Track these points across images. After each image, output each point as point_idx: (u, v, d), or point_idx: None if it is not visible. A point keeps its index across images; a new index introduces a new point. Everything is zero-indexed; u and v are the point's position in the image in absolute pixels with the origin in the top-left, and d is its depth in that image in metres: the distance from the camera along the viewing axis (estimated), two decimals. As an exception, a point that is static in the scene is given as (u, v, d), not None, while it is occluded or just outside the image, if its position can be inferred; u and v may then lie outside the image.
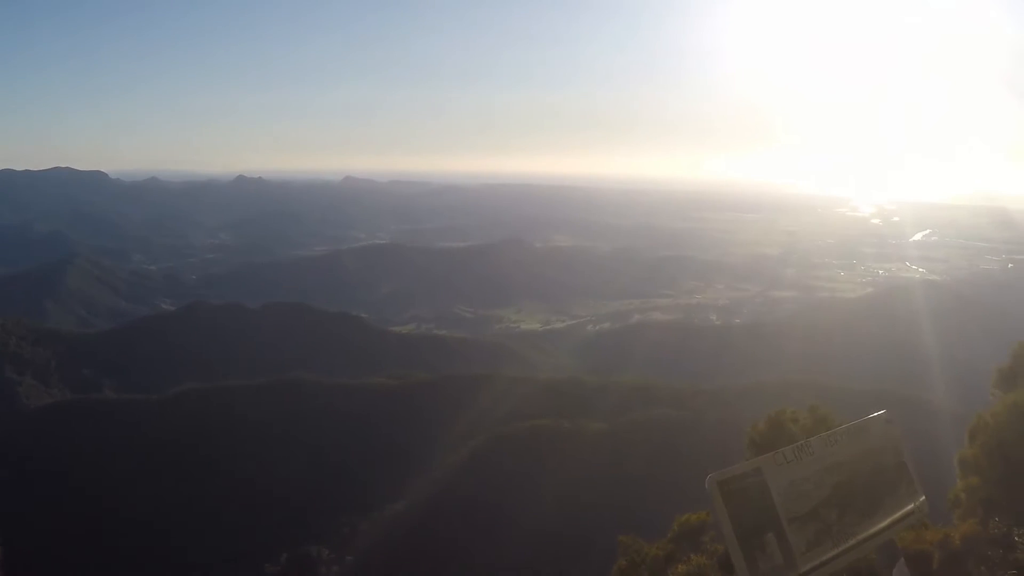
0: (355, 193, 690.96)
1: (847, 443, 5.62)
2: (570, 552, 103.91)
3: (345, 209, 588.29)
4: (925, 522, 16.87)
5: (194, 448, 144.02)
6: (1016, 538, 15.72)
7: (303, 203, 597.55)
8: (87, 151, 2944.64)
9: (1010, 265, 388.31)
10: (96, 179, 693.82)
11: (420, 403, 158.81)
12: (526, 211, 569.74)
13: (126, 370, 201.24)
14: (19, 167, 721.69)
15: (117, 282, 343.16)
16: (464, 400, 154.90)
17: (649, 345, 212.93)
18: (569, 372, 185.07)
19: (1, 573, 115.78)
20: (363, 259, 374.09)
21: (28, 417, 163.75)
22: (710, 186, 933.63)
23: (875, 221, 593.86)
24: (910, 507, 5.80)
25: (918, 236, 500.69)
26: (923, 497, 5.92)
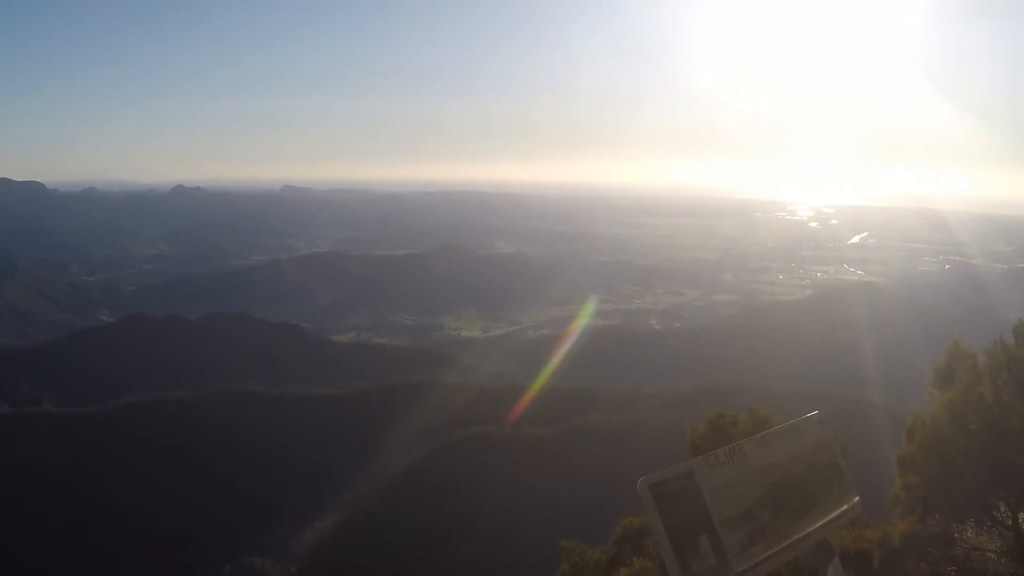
0: (294, 202, 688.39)
1: (780, 445, 5.64)
2: (514, 559, 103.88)
3: (284, 218, 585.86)
4: (866, 521, 17.05)
5: (135, 460, 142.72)
6: (955, 535, 15.89)
7: (242, 212, 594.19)
8: (23, 161, 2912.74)
9: (947, 266, 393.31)
10: (33, 190, 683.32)
11: (361, 412, 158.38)
12: (466, 218, 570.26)
13: (65, 383, 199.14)
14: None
15: (55, 294, 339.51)
16: (405, 408, 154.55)
17: (590, 350, 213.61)
18: (511, 379, 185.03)
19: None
20: (303, 268, 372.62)
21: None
22: (650, 192, 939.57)
23: (813, 224, 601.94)
24: (844, 507, 5.83)
25: (856, 239, 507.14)
26: (856, 497, 5.96)
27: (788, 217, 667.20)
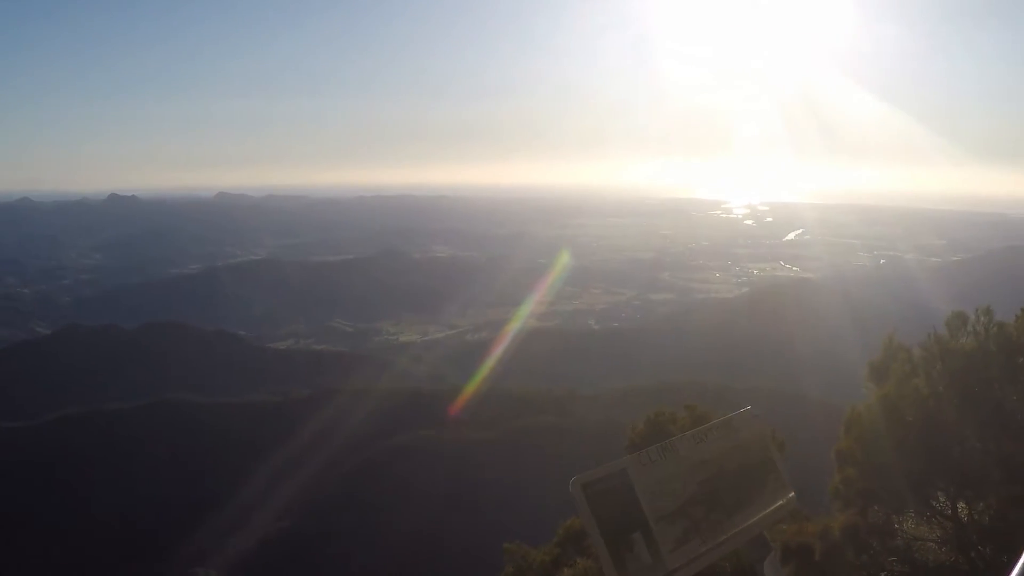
0: (230, 209, 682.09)
1: (713, 440, 5.58)
2: (456, 563, 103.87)
3: (220, 225, 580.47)
4: (806, 515, 17.16)
5: (75, 473, 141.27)
6: (896, 526, 16.03)
7: (178, 220, 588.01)
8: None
9: (882, 261, 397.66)
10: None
11: (300, 419, 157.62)
12: (403, 222, 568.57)
13: (1, 396, 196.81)
14: None
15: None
16: (345, 414, 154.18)
17: (529, 352, 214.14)
18: (450, 382, 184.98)
19: None
20: (239, 275, 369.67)
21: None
22: (586, 193, 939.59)
23: (749, 222, 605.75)
24: (780, 501, 5.79)
25: (791, 235, 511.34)
26: (792, 491, 5.92)
27: (724, 215, 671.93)
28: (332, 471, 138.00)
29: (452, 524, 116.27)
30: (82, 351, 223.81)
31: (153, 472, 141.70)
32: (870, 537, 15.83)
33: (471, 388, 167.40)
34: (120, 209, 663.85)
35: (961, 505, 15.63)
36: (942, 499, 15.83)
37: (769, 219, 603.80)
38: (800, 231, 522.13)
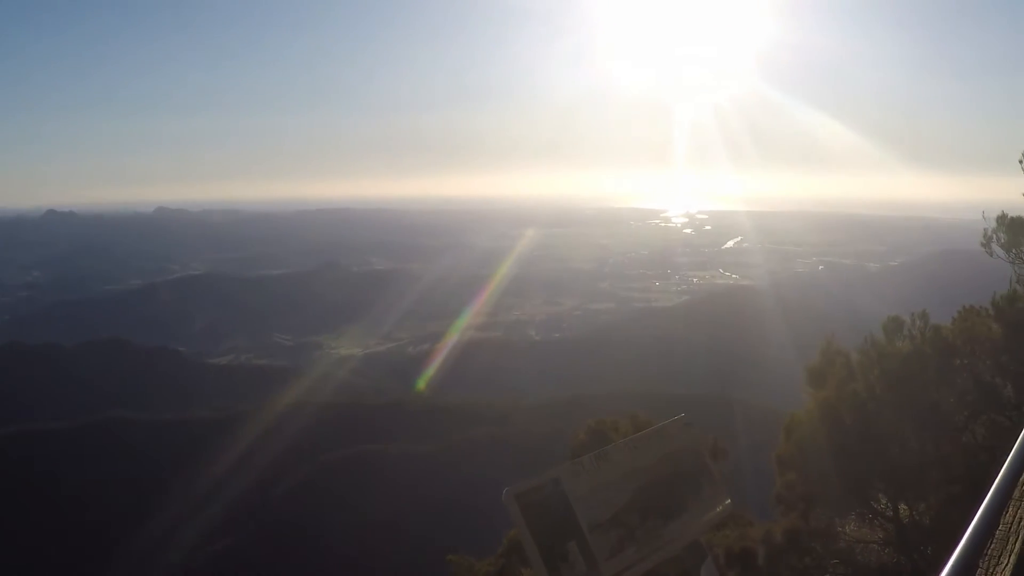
0: (168, 224, 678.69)
1: (647, 448, 5.63)
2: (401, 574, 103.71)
3: (159, 240, 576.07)
4: (749, 520, 17.26)
5: (11, 494, 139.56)
6: (838, 529, 16.17)
7: (116, 236, 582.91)
8: None
9: (821, 267, 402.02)
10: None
11: (241, 434, 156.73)
12: (341, 235, 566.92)
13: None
14: None
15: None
16: (287, 429, 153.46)
17: (471, 364, 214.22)
18: (392, 395, 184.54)
19: None
20: (178, 291, 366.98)
21: None
22: (523, 203, 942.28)
23: (688, 231, 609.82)
24: (715, 507, 5.86)
25: (730, 243, 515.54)
26: (728, 497, 5.98)
27: (662, 224, 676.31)
28: (273, 487, 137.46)
29: (393, 537, 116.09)
30: (21, 370, 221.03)
31: (93, 491, 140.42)
32: (813, 540, 15.96)
33: (413, 401, 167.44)
34: (58, 225, 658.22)
35: (902, 506, 15.80)
36: (883, 501, 16.00)
37: (708, 227, 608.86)
38: (739, 239, 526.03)
